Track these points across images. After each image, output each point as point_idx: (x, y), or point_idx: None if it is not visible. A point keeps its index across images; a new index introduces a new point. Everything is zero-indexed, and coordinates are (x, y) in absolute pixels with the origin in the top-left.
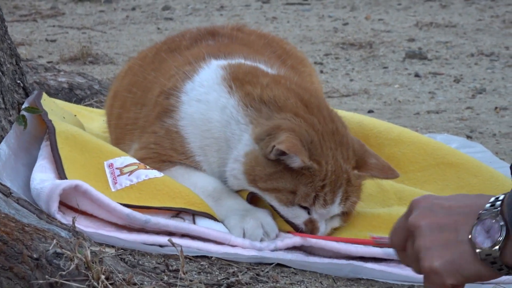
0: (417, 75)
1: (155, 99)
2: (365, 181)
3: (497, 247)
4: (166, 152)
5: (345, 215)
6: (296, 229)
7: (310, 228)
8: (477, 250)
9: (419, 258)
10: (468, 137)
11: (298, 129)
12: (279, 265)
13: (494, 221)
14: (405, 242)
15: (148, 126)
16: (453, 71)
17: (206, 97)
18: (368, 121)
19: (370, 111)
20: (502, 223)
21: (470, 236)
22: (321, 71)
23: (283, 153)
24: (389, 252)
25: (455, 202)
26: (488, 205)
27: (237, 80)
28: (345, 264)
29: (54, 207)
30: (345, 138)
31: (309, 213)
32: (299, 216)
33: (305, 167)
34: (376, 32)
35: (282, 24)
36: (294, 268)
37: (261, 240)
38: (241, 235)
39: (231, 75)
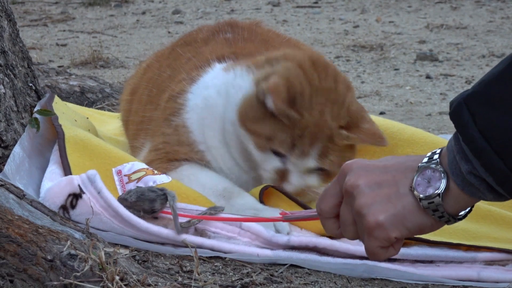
0: (428, 77)
1: (164, 104)
2: None
3: (439, 193)
4: (173, 148)
5: (326, 175)
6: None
7: (280, 177)
8: (420, 199)
9: (361, 216)
10: None
11: (292, 78)
12: (293, 265)
13: (433, 170)
14: (336, 209)
15: (158, 129)
16: (464, 72)
17: (209, 84)
18: (381, 122)
19: (381, 113)
20: (441, 169)
21: (411, 187)
22: None
23: (262, 93)
24: (403, 252)
25: (388, 162)
26: (425, 159)
27: (239, 59)
28: (359, 264)
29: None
30: (341, 98)
31: (284, 164)
32: (270, 162)
33: (283, 114)
34: (387, 34)
35: (292, 27)
36: (308, 269)
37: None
38: None
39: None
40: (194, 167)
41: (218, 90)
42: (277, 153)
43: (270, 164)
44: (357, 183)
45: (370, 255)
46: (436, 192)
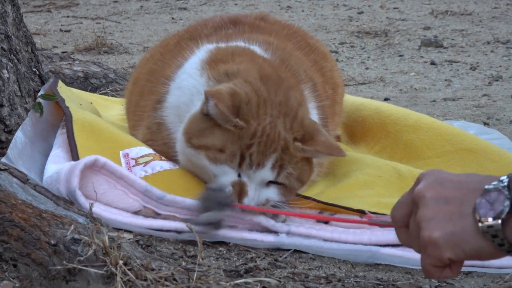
0: (433, 63)
1: (155, 88)
2: (383, 168)
3: (499, 219)
4: (161, 148)
5: (284, 189)
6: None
7: (238, 191)
8: (479, 222)
9: (420, 229)
10: (485, 124)
11: (238, 90)
12: (297, 250)
13: (499, 194)
14: (407, 218)
15: (146, 118)
16: (469, 58)
17: (184, 83)
18: (386, 108)
19: (386, 99)
20: (507, 193)
21: (475, 208)
22: (337, 60)
23: (207, 99)
24: None
25: (465, 178)
26: (495, 181)
27: (213, 61)
28: (364, 250)
29: (75, 183)
30: (293, 112)
31: (239, 174)
32: (226, 174)
33: (226, 119)
34: (391, 20)
35: (296, 13)
36: (312, 254)
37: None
38: None
39: (210, 57)
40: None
41: (189, 93)
42: (229, 166)
43: (225, 178)
44: (424, 194)
45: (424, 272)
46: (496, 216)
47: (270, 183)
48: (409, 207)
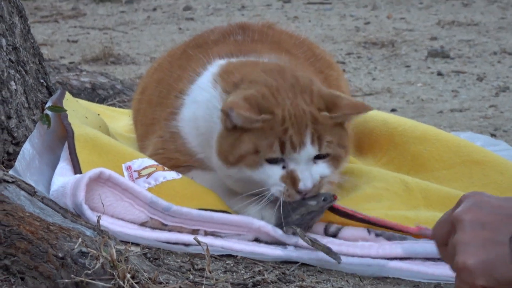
0: (439, 74)
1: (168, 101)
2: (390, 181)
3: None
4: (173, 155)
5: (332, 160)
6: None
7: (291, 182)
8: None
9: (455, 253)
10: (492, 135)
11: (248, 92)
12: (304, 264)
13: None
14: (447, 236)
15: (158, 128)
16: (476, 69)
17: (199, 97)
18: (393, 119)
19: (393, 110)
20: None
21: (509, 237)
22: (344, 70)
23: (227, 114)
24: (412, 251)
25: (506, 203)
26: None
27: (224, 73)
28: (372, 264)
29: (81, 197)
30: (308, 88)
31: (284, 166)
32: (273, 174)
33: (254, 121)
34: (398, 31)
35: (303, 24)
36: (320, 267)
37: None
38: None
39: (222, 70)
40: (202, 170)
41: (205, 107)
42: (272, 160)
43: (273, 176)
44: (462, 218)
45: None
46: None
47: (316, 160)
48: (449, 226)
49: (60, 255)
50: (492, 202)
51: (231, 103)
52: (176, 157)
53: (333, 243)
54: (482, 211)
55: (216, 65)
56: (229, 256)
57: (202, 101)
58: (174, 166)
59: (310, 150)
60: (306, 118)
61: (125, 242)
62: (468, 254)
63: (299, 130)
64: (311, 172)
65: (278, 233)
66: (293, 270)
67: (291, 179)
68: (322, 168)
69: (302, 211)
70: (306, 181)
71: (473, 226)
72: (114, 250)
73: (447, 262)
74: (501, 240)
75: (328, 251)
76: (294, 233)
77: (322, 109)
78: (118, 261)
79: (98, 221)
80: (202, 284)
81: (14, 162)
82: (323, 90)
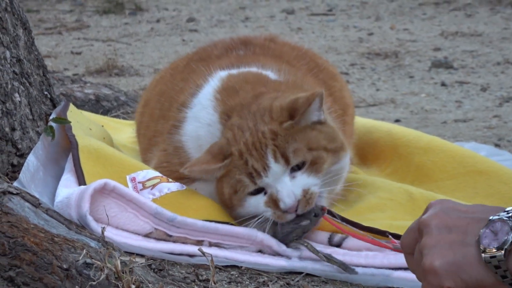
0: (443, 84)
1: (170, 114)
2: (395, 191)
3: (503, 248)
4: (176, 168)
5: (311, 167)
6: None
7: (273, 205)
8: (482, 252)
9: (422, 256)
10: (496, 145)
11: (213, 147)
12: (309, 274)
13: (503, 224)
14: (414, 244)
15: (161, 142)
16: (479, 79)
17: (200, 115)
18: (397, 130)
19: (397, 121)
20: (511, 224)
21: (477, 238)
22: (347, 81)
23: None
24: None
25: (472, 208)
26: (503, 212)
27: (225, 90)
28: (376, 274)
29: (85, 208)
30: (268, 107)
31: (265, 193)
32: (258, 204)
33: (218, 168)
34: (401, 41)
35: (307, 35)
36: (325, 277)
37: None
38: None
39: (223, 86)
40: (205, 182)
41: (206, 130)
42: (253, 193)
43: (258, 205)
44: (429, 222)
45: None
46: (499, 246)
47: (294, 173)
48: (416, 234)
49: (64, 266)
50: (459, 207)
51: (187, 166)
52: (178, 169)
53: (337, 253)
54: (449, 216)
55: (217, 78)
56: (234, 267)
57: (204, 122)
58: (178, 178)
59: (276, 168)
60: (266, 139)
61: (130, 253)
62: (435, 256)
63: (259, 156)
64: (289, 190)
65: (281, 247)
66: (298, 281)
67: (273, 202)
68: (302, 180)
69: (298, 233)
70: (285, 200)
71: (440, 230)
72: (118, 261)
73: (413, 271)
74: (468, 242)
75: (344, 267)
76: (306, 247)
77: (285, 120)
78: (123, 272)
79: (102, 232)
80: None
81: (19, 173)
82: (284, 101)
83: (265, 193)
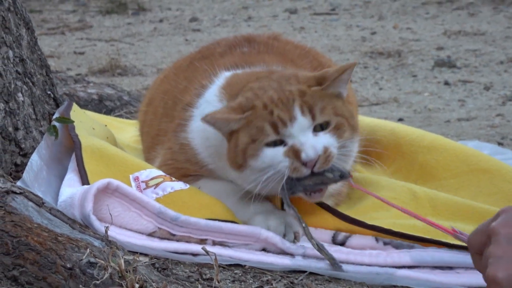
0: (446, 83)
1: (175, 113)
2: (398, 190)
3: None
4: (182, 165)
5: (334, 130)
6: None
7: (293, 155)
8: None
9: (487, 265)
10: (499, 144)
11: (233, 102)
12: (312, 273)
13: None
14: (482, 246)
15: (166, 140)
16: (482, 78)
17: (205, 110)
18: (401, 129)
19: (400, 120)
20: None
21: None
22: (350, 80)
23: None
24: (420, 259)
25: None
26: None
27: (228, 86)
28: (380, 273)
29: (89, 207)
30: (293, 75)
31: (285, 145)
32: (275, 155)
33: (236, 120)
34: (404, 41)
35: (310, 34)
36: (328, 276)
37: (285, 237)
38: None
39: (227, 83)
40: (210, 180)
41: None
42: (271, 144)
43: (276, 156)
44: (499, 231)
45: None
46: None
47: (317, 132)
48: (485, 237)
49: (68, 265)
50: None
51: (208, 114)
52: (185, 166)
53: (341, 252)
54: None
55: (222, 78)
56: (237, 265)
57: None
58: (183, 176)
59: (302, 121)
60: (293, 95)
61: (133, 253)
62: (499, 268)
63: (286, 107)
64: (312, 143)
65: (285, 244)
66: (302, 279)
67: (293, 152)
68: (324, 139)
69: (316, 180)
70: (308, 151)
71: (508, 240)
72: (122, 261)
73: (480, 271)
74: None
75: (333, 262)
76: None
77: (313, 85)
78: (127, 271)
79: (106, 232)
80: None
81: (22, 173)
82: (311, 73)
83: (285, 145)
